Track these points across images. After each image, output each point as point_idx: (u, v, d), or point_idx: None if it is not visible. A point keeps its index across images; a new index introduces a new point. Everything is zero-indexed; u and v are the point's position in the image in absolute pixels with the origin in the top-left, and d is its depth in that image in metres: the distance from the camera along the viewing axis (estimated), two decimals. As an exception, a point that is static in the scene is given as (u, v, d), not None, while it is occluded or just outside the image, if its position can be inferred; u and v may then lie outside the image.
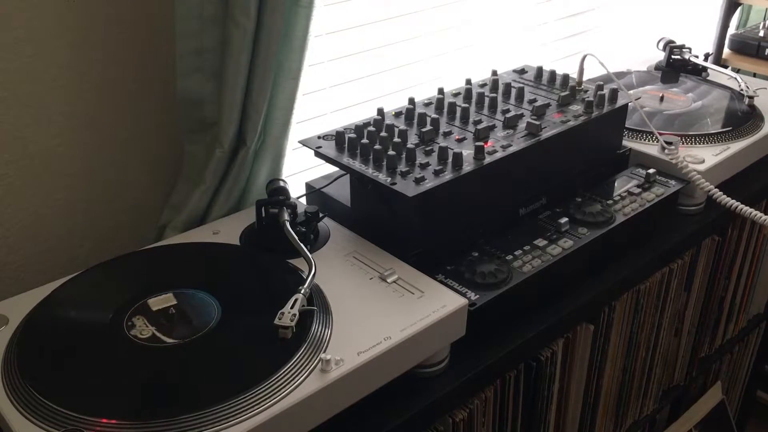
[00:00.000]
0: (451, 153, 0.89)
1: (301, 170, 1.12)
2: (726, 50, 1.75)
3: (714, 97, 1.30)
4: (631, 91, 1.31)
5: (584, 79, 1.11)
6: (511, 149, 0.92)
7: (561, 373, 0.98)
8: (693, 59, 1.43)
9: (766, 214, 1.29)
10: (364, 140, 0.91)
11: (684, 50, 1.43)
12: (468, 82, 1.08)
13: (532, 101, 1.04)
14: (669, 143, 1.11)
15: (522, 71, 1.16)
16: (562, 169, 1.02)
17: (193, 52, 0.90)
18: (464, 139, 0.95)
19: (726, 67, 1.62)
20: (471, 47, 1.34)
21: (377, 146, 0.90)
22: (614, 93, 1.06)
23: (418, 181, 0.85)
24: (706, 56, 1.50)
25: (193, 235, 0.92)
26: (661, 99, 1.29)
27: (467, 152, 0.90)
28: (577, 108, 1.03)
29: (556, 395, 0.99)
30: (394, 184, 0.85)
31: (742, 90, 1.29)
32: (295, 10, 0.89)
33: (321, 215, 0.91)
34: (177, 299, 0.77)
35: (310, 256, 0.81)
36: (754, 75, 1.68)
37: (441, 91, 1.06)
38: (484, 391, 0.87)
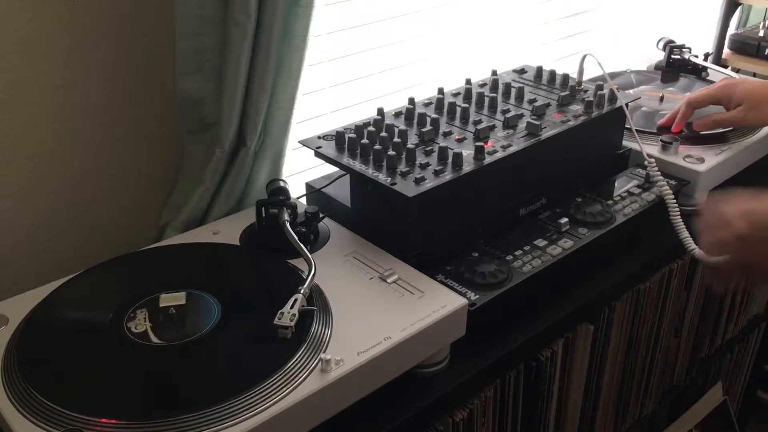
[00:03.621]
0: (451, 153, 0.89)
1: (301, 170, 1.12)
2: (726, 50, 1.75)
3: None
4: (631, 91, 1.31)
5: (584, 79, 1.11)
6: (511, 149, 0.92)
7: (561, 373, 0.98)
8: (693, 59, 1.43)
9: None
10: (364, 140, 0.91)
11: (684, 50, 1.43)
12: (468, 82, 1.08)
13: (532, 101, 1.04)
14: (669, 142, 1.11)
15: (522, 71, 1.16)
16: (562, 169, 1.02)
17: (193, 52, 0.90)
18: (464, 139, 0.95)
19: (726, 67, 1.62)
20: (471, 47, 1.34)
21: (377, 146, 0.89)
22: (614, 93, 1.06)
23: (418, 181, 0.85)
24: (706, 56, 1.50)
25: (193, 235, 0.92)
26: (661, 99, 1.29)
27: (467, 152, 0.90)
28: (576, 108, 1.03)
29: (556, 395, 0.99)
30: (394, 184, 0.84)
31: (742, 90, 1.28)
32: (295, 10, 0.89)
33: (321, 215, 0.91)
34: (178, 299, 0.78)
35: (310, 256, 0.81)
36: (754, 75, 1.68)
37: (441, 91, 1.06)
38: (484, 391, 0.87)
